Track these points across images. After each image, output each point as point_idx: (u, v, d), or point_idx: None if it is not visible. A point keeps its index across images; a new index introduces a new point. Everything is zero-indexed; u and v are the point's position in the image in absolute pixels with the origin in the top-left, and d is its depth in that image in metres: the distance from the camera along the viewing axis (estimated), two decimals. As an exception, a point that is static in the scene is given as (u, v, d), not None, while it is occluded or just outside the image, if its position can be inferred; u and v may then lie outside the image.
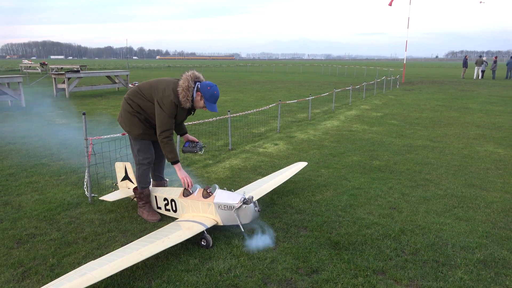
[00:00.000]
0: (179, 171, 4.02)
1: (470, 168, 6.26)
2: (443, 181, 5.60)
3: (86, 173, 4.75)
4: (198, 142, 4.31)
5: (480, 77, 31.33)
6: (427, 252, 3.54)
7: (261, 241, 3.67)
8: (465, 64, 32.95)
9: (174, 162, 3.99)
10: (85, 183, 4.92)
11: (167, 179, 4.80)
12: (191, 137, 4.36)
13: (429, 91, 20.22)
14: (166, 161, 4.26)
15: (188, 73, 3.93)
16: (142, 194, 4.30)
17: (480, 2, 26.34)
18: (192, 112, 4.18)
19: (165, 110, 3.86)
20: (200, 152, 4.30)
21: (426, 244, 3.68)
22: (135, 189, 4.38)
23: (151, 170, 4.49)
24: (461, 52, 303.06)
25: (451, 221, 4.22)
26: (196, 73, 3.97)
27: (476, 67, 31.86)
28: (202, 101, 3.94)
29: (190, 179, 4.03)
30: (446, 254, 3.50)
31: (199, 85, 3.92)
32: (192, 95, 3.90)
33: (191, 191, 4.00)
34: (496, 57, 33.40)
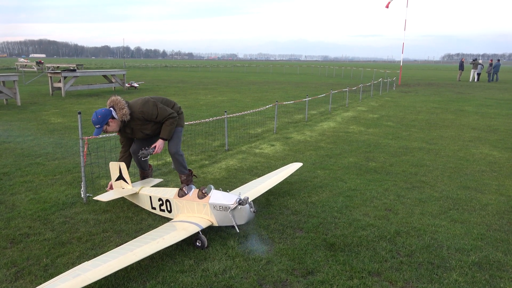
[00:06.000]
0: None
1: (466, 170, 6.28)
2: (438, 183, 5.61)
3: (82, 173, 4.72)
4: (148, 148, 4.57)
5: (476, 79, 31.53)
6: (422, 254, 3.55)
7: (255, 245, 3.66)
8: (461, 67, 33.14)
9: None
10: (82, 185, 4.89)
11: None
12: (156, 143, 4.62)
13: (425, 94, 20.30)
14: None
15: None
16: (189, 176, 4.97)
17: (386, 7, 26.81)
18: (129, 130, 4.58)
19: None
20: (144, 155, 4.53)
21: (421, 246, 3.68)
22: (187, 174, 4.95)
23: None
24: (457, 55, 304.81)
25: (446, 223, 4.23)
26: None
27: (472, 70, 32.07)
28: None
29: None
30: (441, 256, 3.51)
31: None
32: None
33: (186, 192, 3.99)
34: (491, 60, 33.63)
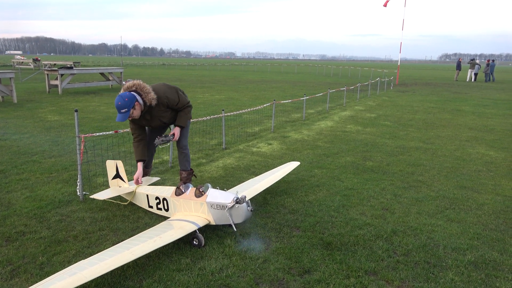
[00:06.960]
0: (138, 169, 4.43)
1: (462, 170, 6.30)
2: (435, 182, 5.63)
3: (78, 171, 4.71)
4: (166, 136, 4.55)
5: (473, 79, 31.64)
6: (419, 253, 3.56)
7: (252, 244, 3.66)
8: (458, 67, 33.26)
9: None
10: (78, 183, 4.87)
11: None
12: (173, 131, 4.62)
13: (422, 93, 20.35)
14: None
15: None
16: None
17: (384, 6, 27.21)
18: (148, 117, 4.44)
19: None
20: (161, 142, 4.49)
21: (417, 245, 3.69)
22: (188, 172, 4.87)
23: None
24: (455, 54, 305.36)
25: (442, 222, 4.25)
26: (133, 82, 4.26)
27: (469, 70, 32.19)
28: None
29: (140, 179, 4.43)
30: (437, 256, 3.52)
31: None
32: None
33: (183, 190, 3.98)
34: (489, 60, 33.77)
